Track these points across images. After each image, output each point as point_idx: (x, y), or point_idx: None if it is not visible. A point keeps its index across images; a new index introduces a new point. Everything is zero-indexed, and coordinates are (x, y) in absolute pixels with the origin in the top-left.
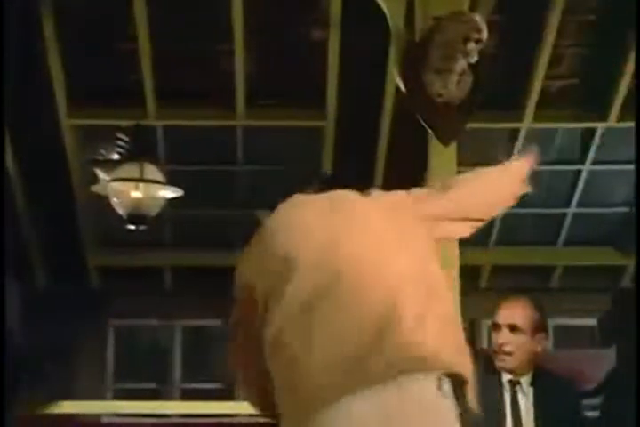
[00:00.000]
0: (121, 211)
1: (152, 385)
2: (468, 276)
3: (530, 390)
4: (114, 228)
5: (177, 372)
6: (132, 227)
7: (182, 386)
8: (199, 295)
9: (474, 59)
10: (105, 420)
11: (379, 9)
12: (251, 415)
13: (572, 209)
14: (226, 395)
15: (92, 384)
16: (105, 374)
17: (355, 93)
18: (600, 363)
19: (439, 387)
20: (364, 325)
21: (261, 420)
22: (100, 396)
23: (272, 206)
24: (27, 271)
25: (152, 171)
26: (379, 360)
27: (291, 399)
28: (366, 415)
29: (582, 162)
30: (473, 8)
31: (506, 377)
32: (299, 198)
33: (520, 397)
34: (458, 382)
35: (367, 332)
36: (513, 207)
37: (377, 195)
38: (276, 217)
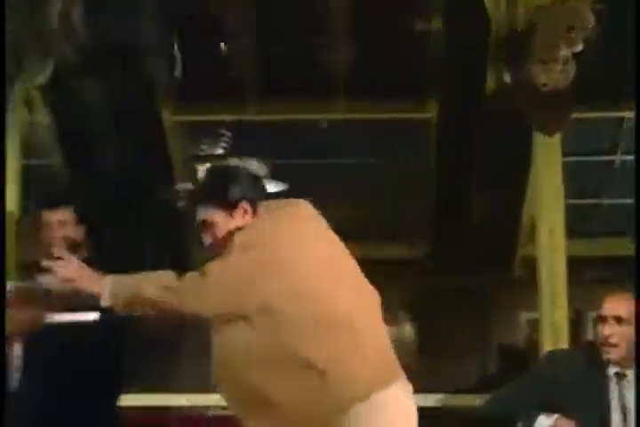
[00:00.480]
0: None
1: None
2: (573, 267)
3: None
4: None
5: None
6: None
7: None
8: None
9: (578, 47)
10: (211, 413)
11: None
12: None
13: None
14: None
15: (199, 378)
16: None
17: (458, 85)
18: None
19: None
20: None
21: None
22: (207, 390)
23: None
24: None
25: (255, 166)
26: (381, 371)
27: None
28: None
29: None
30: None
31: (612, 370)
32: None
33: (627, 389)
34: None
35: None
36: (619, 198)
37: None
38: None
